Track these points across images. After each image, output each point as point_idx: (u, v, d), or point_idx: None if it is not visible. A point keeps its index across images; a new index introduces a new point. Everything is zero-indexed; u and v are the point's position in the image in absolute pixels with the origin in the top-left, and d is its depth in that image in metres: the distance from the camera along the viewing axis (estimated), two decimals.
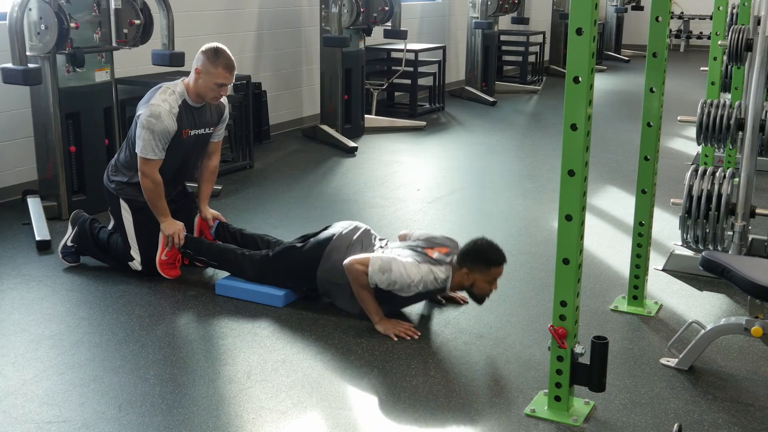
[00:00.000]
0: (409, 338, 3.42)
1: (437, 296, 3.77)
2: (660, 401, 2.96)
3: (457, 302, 3.80)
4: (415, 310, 3.73)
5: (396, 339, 3.41)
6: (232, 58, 3.92)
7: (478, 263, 3.47)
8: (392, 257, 3.47)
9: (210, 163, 4.24)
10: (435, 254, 3.58)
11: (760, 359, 3.28)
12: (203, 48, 3.90)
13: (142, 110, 3.87)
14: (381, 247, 3.75)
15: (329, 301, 3.73)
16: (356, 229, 3.81)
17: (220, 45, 3.93)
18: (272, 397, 2.97)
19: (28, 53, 4.55)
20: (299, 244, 3.81)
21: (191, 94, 3.93)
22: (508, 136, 7.78)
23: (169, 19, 5.18)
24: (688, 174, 3.88)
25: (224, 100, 4.11)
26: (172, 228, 3.98)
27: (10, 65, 4.50)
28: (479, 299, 3.55)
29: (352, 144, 6.95)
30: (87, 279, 4.07)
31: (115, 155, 4.16)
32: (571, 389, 2.85)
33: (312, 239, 3.79)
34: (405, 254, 3.54)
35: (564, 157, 2.62)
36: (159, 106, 3.83)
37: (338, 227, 3.83)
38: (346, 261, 3.53)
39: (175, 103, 3.88)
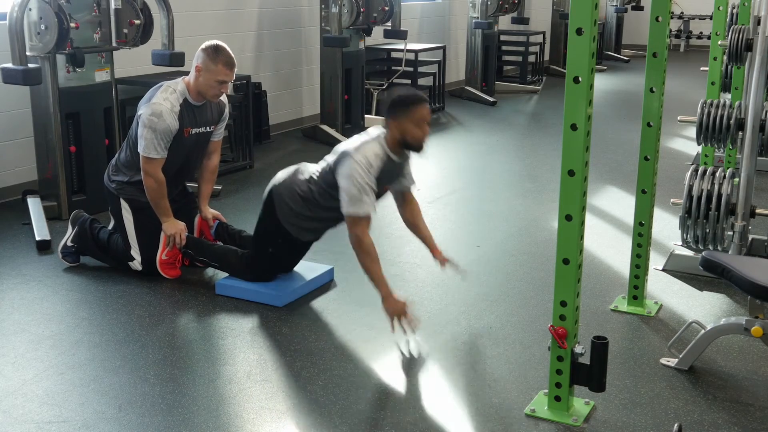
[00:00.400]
0: (407, 331, 3.39)
1: (433, 247, 3.79)
2: (660, 401, 2.97)
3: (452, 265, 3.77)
4: (414, 307, 3.73)
5: (393, 331, 3.37)
6: (232, 55, 3.93)
7: (400, 108, 3.47)
8: (344, 187, 3.45)
9: (210, 162, 4.24)
10: (365, 137, 3.57)
11: (760, 359, 3.28)
12: (203, 45, 3.91)
13: (143, 109, 3.88)
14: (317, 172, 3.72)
15: (307, 237, 3.78)
16: (286, 170, 3.85)
17: (220, 42, 3.93)
18: (272, 397, 2.97)
19: (28, 53, 4.55)
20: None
21: (192, 93, 3.94)
22: (508, 136, 7.78)
23: (169, 19, 5.18)
24: (688, 174, 3.88)
25: (224, 98, 4.12)
26: (174, 228, 3.98)
27: (10, 65, 4.50)
28: (416, 147, 3.52)
29: None
30: (87, 279, 4.07)
31: (116, 155, 4.16)
32: (571, 389, 2.85)
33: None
34: (345, 165, 3.49)
35: (564, 157, 2.62)
36: (160, 105, 3.84)
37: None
38: (352, 243, 3.51)
39: (176, 102, 3.89)
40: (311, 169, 3.75)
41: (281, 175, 3.82)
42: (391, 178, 3.64)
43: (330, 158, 3.62)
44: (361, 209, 3.44)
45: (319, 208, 3.68)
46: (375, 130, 3.59)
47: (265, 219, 3.82)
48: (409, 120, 3.45)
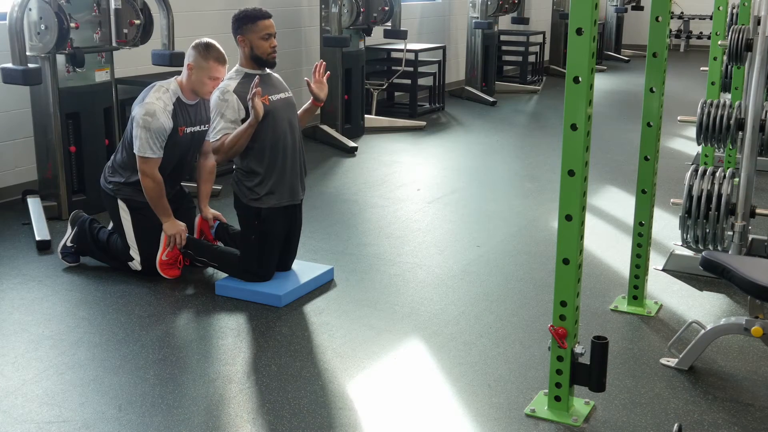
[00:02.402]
0: (257, 91, 3.58)
1: (305, 110, 4.00)
2: (660, 401, 2.97)
3: (319, 83, 3.94)
4: (414, 306, 3.74)
5: (259, 104, 3.60)
6: (223, 51, 3.95)
7: (245, 24, 3.77)
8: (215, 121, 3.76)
9: (207, 162, 4.24)
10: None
11: (760, 359, 3.28)
12: (193, 44, 3.94)
13: (136, 110, 3.90)
14: None
15: (270, 201, 3.82)
16: None
17: (210, 40, 3.96)
18: (272, 397, 2.97)
19: (28, 53, 4.55)
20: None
21: (185, 91, 3.95)
22: (508, 136, 7.78)
23: (169, 19, 5.19)
24: (688, 174, 3.88)
25: None
26: (174, 228, 3.98)
27: (10, 65, 4.50)
28: (265, 61, 3.80)
29: (352, 144, 6.95)
30: (87, 279, 4.07)
31: (112, 157, 4.17)
32: (571, 389, 2.85)
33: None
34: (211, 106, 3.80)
35: (564, 157, 2.62)
36: (153, 104, 3.85)
37: None
38: (215, 158, 3.92)
39: (169, 101, 3.90)
40: None
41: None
42: (270, 88, 3.81)
43: None
44: (219, 126, 3.69)
45: (259, 167, 3.77)
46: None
47: (238, 212, 3.92)
48: (256, 35, 3.77)
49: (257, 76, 3.72)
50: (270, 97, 3.77)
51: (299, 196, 3.94)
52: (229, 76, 3.81)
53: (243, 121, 3.71)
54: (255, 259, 3.84)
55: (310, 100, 3.99)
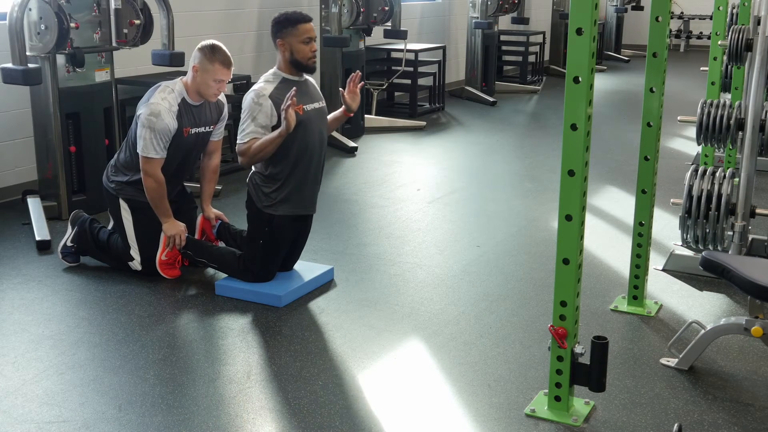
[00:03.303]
0: (293, 101, 3.52)
1: (334, 118, 3.98)
2: (660, 401, 2.97)
3: (352, 93, 3.91)
4: (414, 306, 3.74)
5: (293, 116, 3.54)
6: (229, 54, 3.94)
7: (285, 27, 3.70)
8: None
9: (211, 162, 4.25)
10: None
11: (760, 359, 3.28)
12: (199, 45, 3.92)
13: (141, 109, 3.88)
14: None
15: (282, 209, 3.80)
16: None
17: (217, 42, 3.94)
18: (272, 397, 2.97)
19: (28, 53, 4.55)
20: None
21: (190, 93, 3.95)
22: (508, 136, 7.78)
23: (169, 19, 5.18)
24: (688, 174, 3.88)
25: (223, 98, 4.13)
26: (174, 229, 3.98)
27: (10, 65, 4.50)
28: (305, 66, 3.74)
29: (352, 144, 6.95)
30: (87, 279, 4.07)
31: (115, 155, 4.16)
32: (571, 389, 2.85)
33: None
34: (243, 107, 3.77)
35: (564, 157, 2.62)
36: (158, 105, 3.84)
37: None
38: (239, 160, 3.78)
39: (174, 102, 3.89)
40: None
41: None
42: (305, 97, 3.76)
43: None
44: (249, 129, 3.66)
45: (279, 176, 3.75)
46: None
47: (249, 214, 3.89)
48: (296, 38, 3.69)
49: (294, 87, 3.62)
50: (304, 107, 3.71)
51: (314, 207, 3.95)
52: (266, 79, 3.75)
53: (274, 128, 3.66)
54: (258, 262, 3.84)
55: (341, 109, 3.96)
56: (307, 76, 3.85)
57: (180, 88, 3.94)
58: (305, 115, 3.72)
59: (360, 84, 3.90)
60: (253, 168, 3.84)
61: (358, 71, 3.95)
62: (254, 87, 3.74)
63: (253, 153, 3.67)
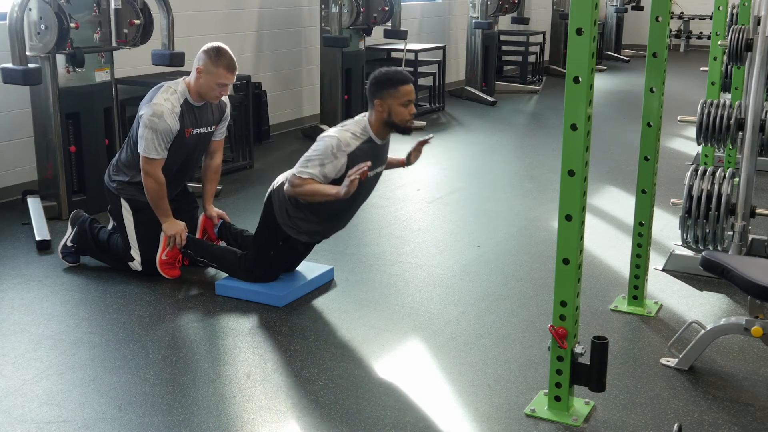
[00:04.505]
0: (363, 173, 3.36)
1: (392, 162, 3.87)
2: (660, 401, 2.97)
3: (418, 150, 3.84)
4: (414, 306, 3.74)
5: (356, 181, 3.36)
6: (234, 58, 3.92)
7: (385, 88, 3.48)
8: (307, 152, 3.56)
9: (213, 162, 4.25)
10: (347, 121, 3.64)
11: (760, 359, 3.28)
12: (205, 47, 3.91)
13: (144, 110, 3.87)
14: None
15: (306, 238, 3.80)
16: (286, 173, 3.82)
17: (222, 45, 3.93)
18: (272, 397, 2.97)
19: (28, 53, 4.55)
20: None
21: (192, 94, 3.94)
22: (508, 136, 7.78)
23: (169, 19, 5.18)
24: (688, 174, 3.88)
25: (225, 98, 4.12)
26: (174, 229, 3.98)
27: (10, 65, 4.50)
28: (403, 128, 3.55)
29: None
30: (87, 279, 4.07)
31: (117, 155, 4.16)
32: (571, 389, 2.85)
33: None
34: (319, 143, 3.58)
35: (564, 157, 2.62)
36: (161, 105, 3.84)
37: None
38: (285, 188, 3.61)
39: (177, 102, 3.89)
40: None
41: (280, 178, 3.82)
42: (373, 161, 3.58)
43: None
44: (312, 170, 3.50)
45: (311, 211, 3.68)
46: (359, 116, 3.63)
47: (265, 222, 3.83)
48: (395, 100, 3.48)
49: (370, 162, 3.44)
50: (370, 173, 3.54)
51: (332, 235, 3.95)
52: (354, 132, 3.53)
53: (333, 181, 3.51)
54: (266, 271, 3.83)
55: (399, 159, 3.89)
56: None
57: (183, 88, 3.93)
58: (366, 179, 3.54)
59: (428, 140, 3.80)
60: (285, 187, 3.67)
61: (431, 135, 3.82)
62: (340, 132, 3.51)
63: (302, 193, 3.54)
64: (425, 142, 3.80)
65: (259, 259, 3.84)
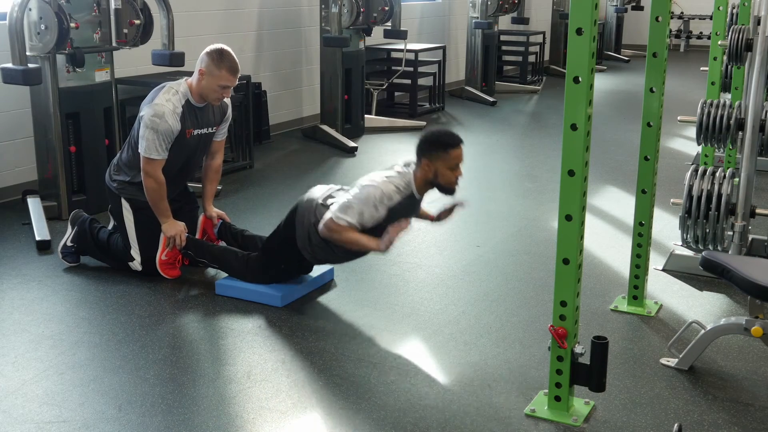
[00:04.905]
0: (404, 230, 3.36)
1: (423, 213, 3.79)
2: (660, 401, 2.97)
3: (449, 213, 3.77)
4: (414, 306, 3.74)
5: (397, 240, 3.34)
6: (237, 60, 3.92)
7: (435, 150, 3.41)
8: (347, 195, 3.48)
9: (213, 162, 4.25)
10: (391, 171, 3.56)
11: (760, 359, 3.28)
12: (207, 49, 3.90)
13: (145, 110, 3.87)
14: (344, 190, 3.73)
15: (324, 263, 3.79)
16: (320, 188, 3.78)
17: (225, 47, 3.92)
18: (272, 397, 2.97)
19: (28, 53, 4.55)
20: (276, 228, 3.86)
21: (194, 95, 3.94)
22: (508, 136, 7.78)
23: (169, 19, 5.18)
24: (688, 174, 3.88)
25: (227, 99, 4.12)
26: (173, 229, 3.98)
27: (10, 65, 4.50)
28: (448, 190, 3.50)
29: (352, 144, 6.95)
30: (87, 279, 4.07)
31: (117, 154, 4.16)
32: (571, 389, 2.85)
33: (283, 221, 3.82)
34: (363, 190, 3.51)
35: (564, 157, 2.62)
36: (162, 106, 3.83)
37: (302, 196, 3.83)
38: (319, 228, 3.53)
39: (179, 103, 3.89)
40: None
41: (315, 193, 3.69)
42: (407, 214, 3.56)
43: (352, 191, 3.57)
44: (351, 218, 3.42)
45: (335, 247, 3.60)
46: (400, 167, 3.56)
47: (284, 234, 3.76)
48: (444, 163, 3.41)
49: (410, 220, 3.45)
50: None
51: None
52: (397, 185, 3.46)
53: (367, 230, 3.47)
54: (271, 274, 3.81)
55: (430, 213, 3.84)
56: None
57: (184, 89, 3.93)
58: None
59: (459, 207, 3.74)
60: (315, 209, 3.57)
61: (466, 201, 3.73)
62: (384, 184, 3.44)
63: (339, 239, 3.47)
64: (460, 206, 3.72)
65: (268, 267, 3.82)
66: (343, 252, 3.62)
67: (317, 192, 3.73)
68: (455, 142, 3.43)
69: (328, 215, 3.48)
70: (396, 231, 3.37)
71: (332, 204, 3.57)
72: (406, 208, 3.53)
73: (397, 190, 3.45)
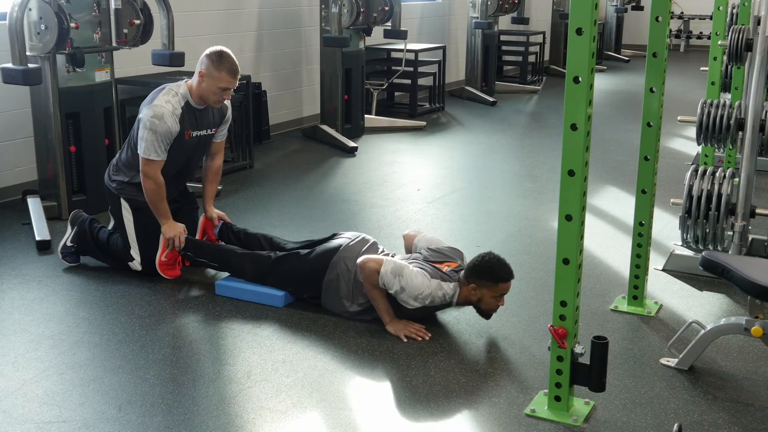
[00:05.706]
0: (420, 339, 3.41)
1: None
2: (660, 401, 2.97)
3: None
4: None
5: (406, 340, 3.40)
6: (237, 62, 3.91)
7: (486, 279, 3.42)
8: (406, 264, 3.47)
9: (213, 163, 4.25)
10: (445, 269, 3.57)
11: (760, 359, 3.28)
12: (208, 51, 3.90)
13: (144, 111, 3.87)
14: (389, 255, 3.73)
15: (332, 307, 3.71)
16: (364, 241, 3.78)
17: (225, 49, 3.92)
18: (272, 397, 2.97)
19: (28, 53, 4.55)
20: (304, 252, 3.79)
21: (194, 96, 3.93)
22: (508, 136, 7.78)
23: (169, 19, 5.18)
24: (688, 174, 3.88)
25: (227, 101, 4.11)
26: (173, 231, 3.97)
27: (10, 65, 4.50)
28: (486, 314, 3.51)
29: (352, 144, 6.95)
30: (87, 279, 4.07)
31: (117, 155, 4.16)
32: (571, 389, 2.85)
33: (318, 248, 3.77)
34: (416, 266, 3.53)
35: (564, 157, 2.62)
36: (162, 107, 3.83)
37: (346, 238, 3.80)
38: (360, 258, 3.52)
39: (178, 105, 3.89)
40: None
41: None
42: (432, 312, 3.60)
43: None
44: (395, 287, 3.41)
45: (358, 294, 3.60)
46: (452, 271, 3.55)
47: (308, 269, 3.71)
48: (491, 292, 3.43)
49: (429, 336, 3.44)
50: None
51: None
52: (445, 293, 3.44)
53: (392, 300, 3.48)
54: (274, 285, 3.79)
55: None
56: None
57: (184, 90, 3.93)
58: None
59: None
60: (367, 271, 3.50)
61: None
62: (435, 290, 3.42)
63: (370, 294, 3.47)
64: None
65: (277, 281, 3.78)
66: (360, 300, 3.59)
67: (360, 245, 3.72)
68: (507, 277, 3.45)
69: (382, 270, 3.43)
70: (413, 333, 3.42)
71: (388, 254, 3.67)
72: (437, 308, 3.55)
73: (442, 298, 3.46)
